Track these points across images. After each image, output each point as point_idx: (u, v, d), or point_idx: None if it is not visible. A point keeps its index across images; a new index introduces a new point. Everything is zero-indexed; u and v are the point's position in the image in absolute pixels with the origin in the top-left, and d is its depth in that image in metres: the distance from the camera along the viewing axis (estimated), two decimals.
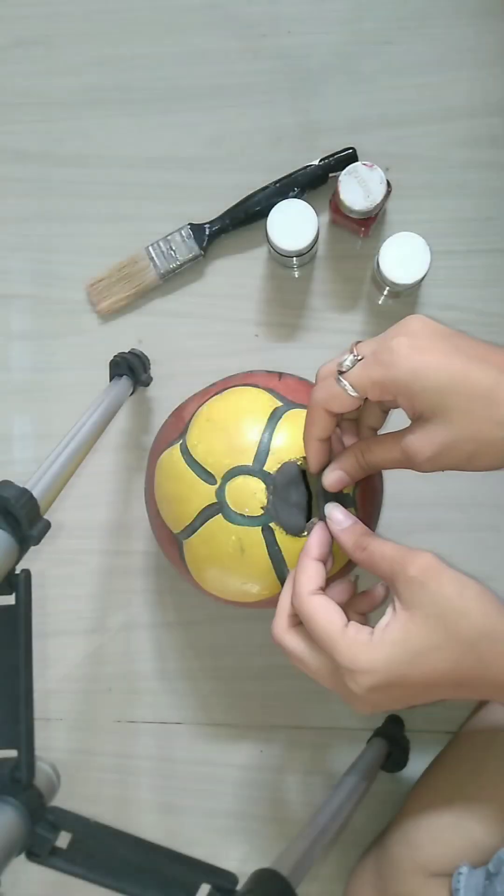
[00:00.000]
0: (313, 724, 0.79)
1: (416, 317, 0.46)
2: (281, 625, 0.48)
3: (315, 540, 0.49)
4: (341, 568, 0.56)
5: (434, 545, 0.79)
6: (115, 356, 0.74)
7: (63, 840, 0.44)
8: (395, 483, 0.76)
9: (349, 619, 0.46)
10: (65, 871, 0.44)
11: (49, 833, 0.44)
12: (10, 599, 0.46)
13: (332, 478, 0.50)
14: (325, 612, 0.45)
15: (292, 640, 0.48)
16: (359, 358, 0.45)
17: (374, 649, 0.43)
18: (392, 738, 0.75)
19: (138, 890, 0.44)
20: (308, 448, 0.50)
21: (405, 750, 0.76)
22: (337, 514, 0.49)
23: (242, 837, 0.80)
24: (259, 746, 0.80)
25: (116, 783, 0.81)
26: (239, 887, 0.45)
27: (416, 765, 0.75)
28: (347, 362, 0.46)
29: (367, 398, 0.46)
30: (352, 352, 0.46)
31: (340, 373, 0.46)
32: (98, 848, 0.45)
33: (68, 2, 0.79)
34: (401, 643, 0.43)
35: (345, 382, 0.45)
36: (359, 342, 0.46)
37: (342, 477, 0.50)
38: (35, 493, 0.47)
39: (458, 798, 0.61)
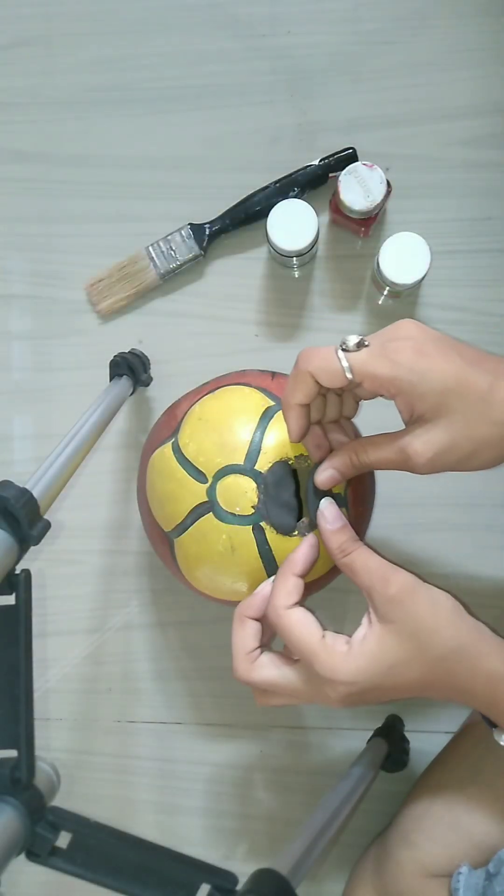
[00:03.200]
0: (313, 724, 0.79)
1: (409, 321, 0.47)
2: (243, 666, 0.50)
3: (301, 556, 0.50)
4: (327, 572, 0.56)
5: (434, 545, 0.79)
6: (115, 356, 0.74)
7: (63, 840, 0.44)
8: (395, 483, 0.76)
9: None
10: (65, 871, 0.44)
11: (49, 833, 0.44)
12: (10, 599, 0.45)
13: (324, 476, 0.51)
14: (304, 625, 0.48)
15: (261, 673, 0.50)
16: (365, 344, 0.46)
17: (352, 661, 0.46)
18: (392, 738, 0.75)
19: (138, 890, 0.44)
20: (288, 413, 0.50)
21: (405, 750, 0.76)
22: (329, 512, 0.50)
23: (242, 837, 0.80)
24: (259, 746, 0.80)
25: (116, 783, 0.81)
26: (239, 887, 0.45)
27: (416, 765, 0.75)
28: (352, 343, 0.46)
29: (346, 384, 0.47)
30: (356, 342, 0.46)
31: (343, 350, 0.46)
32: (98, 848, 0.45)
33: (68, 2, 0.79)
34: (377, 656, 0.46)
35: (345, 362, 0.46)
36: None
37: (333, 475, 0.51)
38: (35, 493, 0.47)
39: (458, 798, 0.61)
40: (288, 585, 0.49)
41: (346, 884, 0.67)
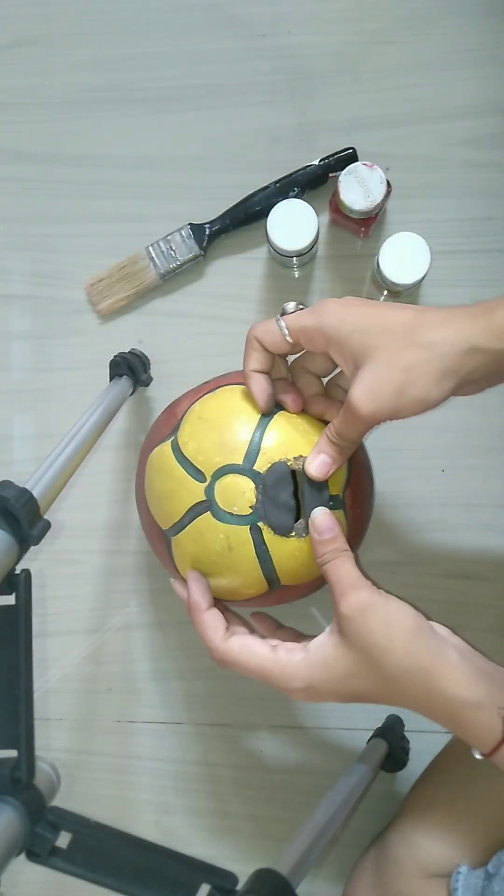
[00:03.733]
0: (313, 724, 0.79)
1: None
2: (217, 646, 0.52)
3: (195, 595, 0.53)
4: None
5: (434, 545, 0.79)
6: (115, 356, 0.74)
7: (63, 840, 0.44)
8: (396, 483, 0.76)
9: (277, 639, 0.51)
10: (65, 871, 0.44)
11: (49, 833, 0.44)
12: (10, 599, 0.46)
13: (316, 463, 0.52)
14: (246, 653, 0.50)
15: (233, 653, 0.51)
16: (300, 307, 0.52)
17: (305, 667, 0.48)
18: (392, 738, 0.75)
19: (138, 890, 0.44)
20: (248, 381, 0.54)
21: (405, 750, 0.76)
22: (319, 522, 0.51)
23: (242, 837, 0.80)
24: (259, 746, 0.80)
25: (116, 783, 0.81)
26: (239, 887, 0.45)
27: (416, 765, 0.75)
28: (290, 308, 0.52)
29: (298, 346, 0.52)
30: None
31: (282, 314, 0.51)
32: (98, 848, 0.45)
33: (68, 2, 0.79)
34: (331, 663, 0.47)
35: (282, 322, 0.51)
36: None
37: (324, 460, 0.52)
38: (35, 493, 0.47)
39: (458, 798, 0.61)
40: (209, 624, 0.52)
41: (346, 884, 0.67)
